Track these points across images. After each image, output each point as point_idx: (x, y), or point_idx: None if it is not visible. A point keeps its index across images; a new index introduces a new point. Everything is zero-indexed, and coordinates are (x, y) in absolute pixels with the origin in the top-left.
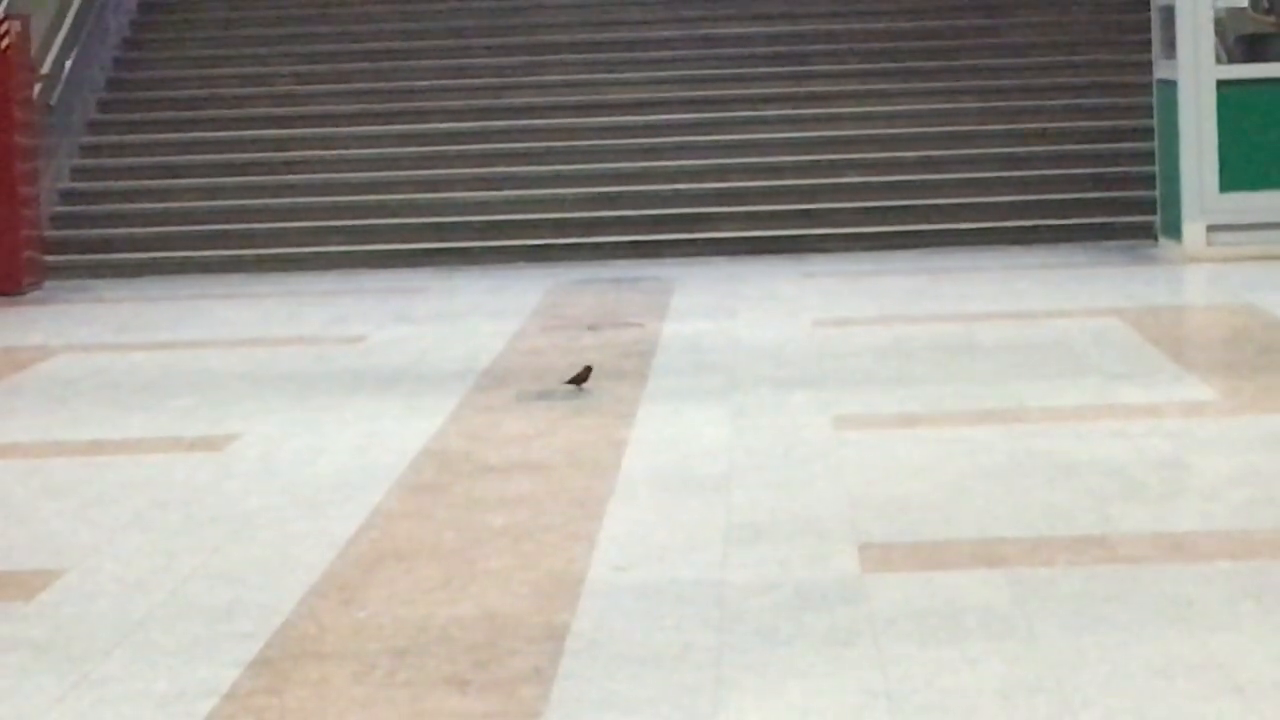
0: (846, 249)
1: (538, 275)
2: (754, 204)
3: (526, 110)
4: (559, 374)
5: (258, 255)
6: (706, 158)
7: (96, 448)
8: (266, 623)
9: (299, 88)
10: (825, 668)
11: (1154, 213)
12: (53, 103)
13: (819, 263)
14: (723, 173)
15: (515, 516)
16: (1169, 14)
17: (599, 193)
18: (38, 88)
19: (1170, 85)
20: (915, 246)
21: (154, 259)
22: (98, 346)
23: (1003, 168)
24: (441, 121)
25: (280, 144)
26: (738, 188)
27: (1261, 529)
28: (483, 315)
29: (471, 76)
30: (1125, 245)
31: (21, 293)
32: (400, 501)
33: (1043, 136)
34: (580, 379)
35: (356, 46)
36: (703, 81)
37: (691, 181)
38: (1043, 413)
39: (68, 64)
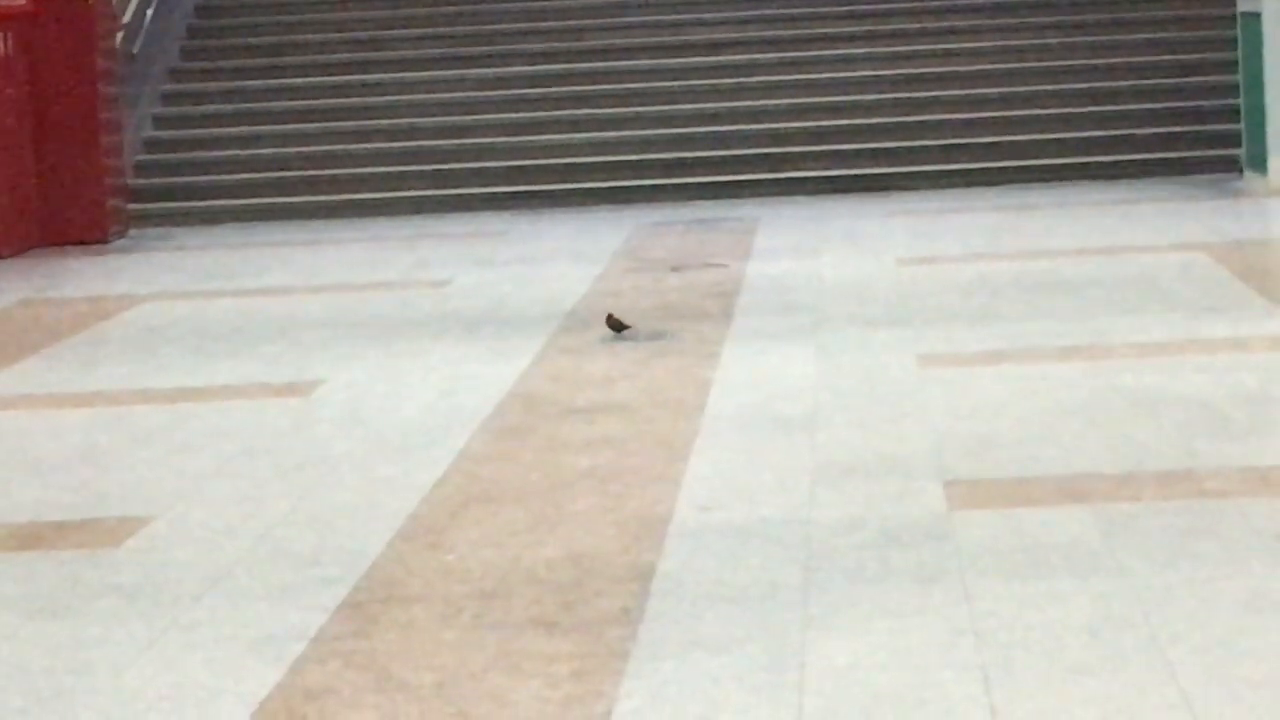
0: (930, 187)
1: (620, 217)
2: (837, 143)
3: (608, 52)
4: (642, 316)
5: (340, 201)
6: (789, 97)
7: (183, 395)
8: (354, 567)
9: (380, 33)
10: (912, 605)
11: (1239, 146)
12: (135, 51)
13: (902, 201)
14: (805, 112)
15: (601, 458)
16: None
17: (681, 134)
18: (119, 36)
19: (1254, 17)
20: (998, 183)
21: (237, 206)
22: (183, 294)
23: (1086, 103)
24: (523, 65)
25: (362, 89)
26: (820, 126)
27: None
28: (566, 258)
29: (553, 19)
30: (1210, 179)
31: (107, 241)
32: (486, 445)
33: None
34: (617, 325)
35: None
36: (784, 20)
37: (774, 121)
38: (1128, 348)
39: (149, 12)
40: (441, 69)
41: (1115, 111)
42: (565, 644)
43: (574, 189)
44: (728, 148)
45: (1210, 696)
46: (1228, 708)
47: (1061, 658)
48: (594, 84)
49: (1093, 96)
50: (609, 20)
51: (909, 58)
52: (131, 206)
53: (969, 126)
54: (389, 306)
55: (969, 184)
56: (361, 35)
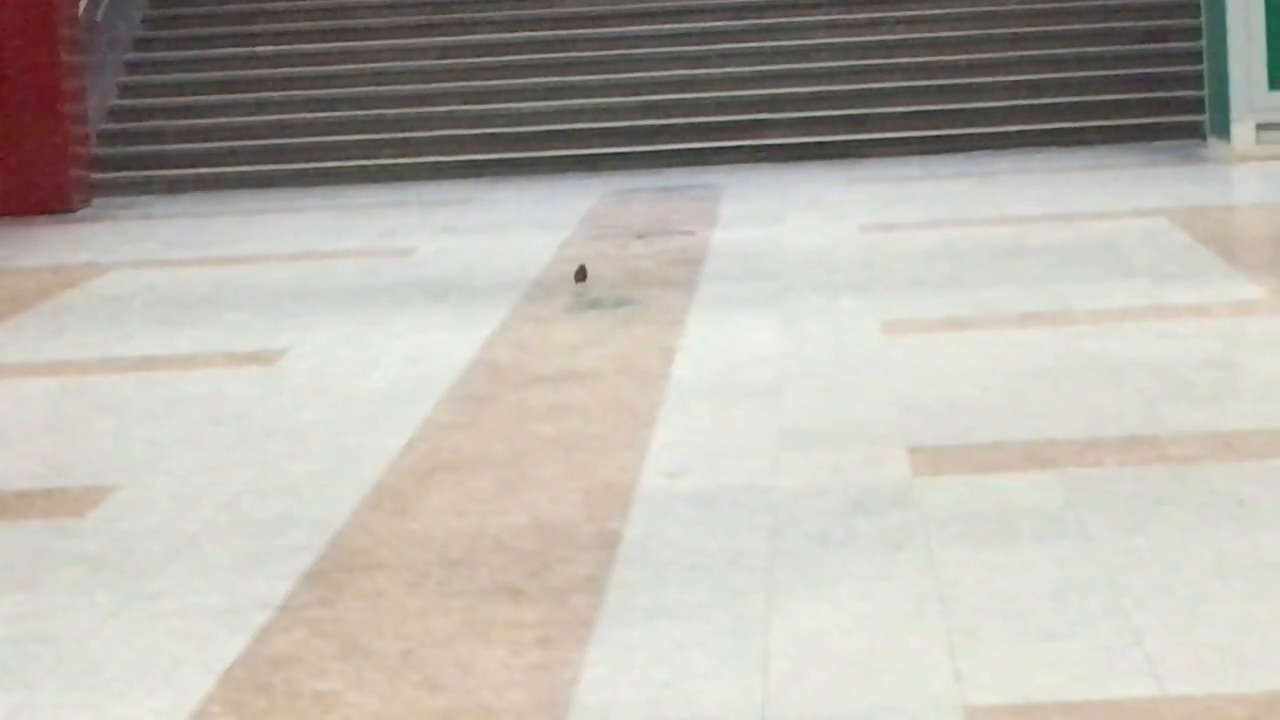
0: (893, 154)
1: (586, 185)
2: (801, 110)
3: (572, 19)
4: (609, 283)
5: (305, 169)
6: (753, 64)
7: (148, 364)
8: (319, 535)
9: (344, 1)
10: (877, 571)
11: (1202, 112)
12: (98, 19)
13: (866, 168)
14: (769, 79)
15: (566, 426)
16: None
17: (646, 101)
18: (83, 4)
19: None
20: (962, 150)
21: (202, 175)
22: (147, 263)
23: (1049, 69)
24: (487, 32)
25: (326, 58)
26: (785, 94)
27: None
28: (531, 226)
29: None
30: (1173, 145)
31: (71, 210)
32: (451, 413)
33: None
34: (580, 276)
35: None
36: None
37: (739, 89)
38: (1091, 314)
39: None
40: (407, 37)
41: (1078, 78)
42: (531, 611)
43: (539, 157)
44: (693, 115)
45: (1175, 660)
46: (1193, 671)
47: (1027, 623)
48: (559, 51)
49: (1056, 63)
50: None
51: (872, 24)
52: (96, 175)
53: (932, 93)
54: (354, 275)
55: (932, 151)
56: (326, 2)
